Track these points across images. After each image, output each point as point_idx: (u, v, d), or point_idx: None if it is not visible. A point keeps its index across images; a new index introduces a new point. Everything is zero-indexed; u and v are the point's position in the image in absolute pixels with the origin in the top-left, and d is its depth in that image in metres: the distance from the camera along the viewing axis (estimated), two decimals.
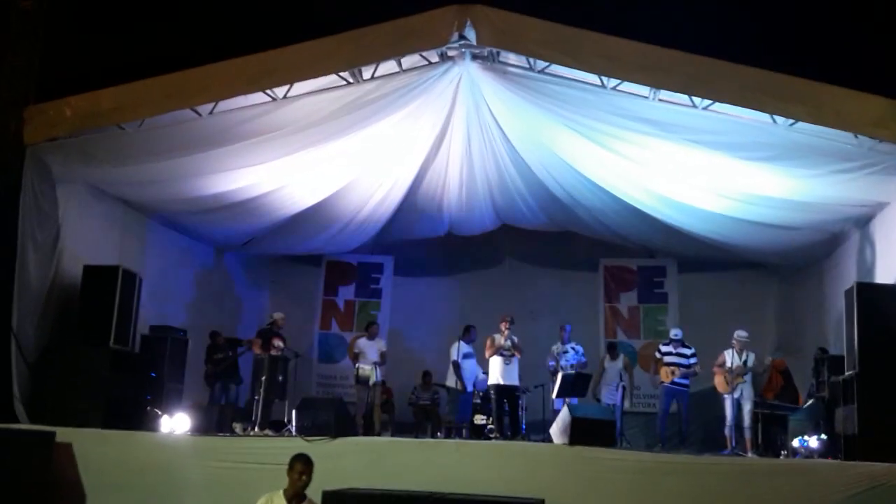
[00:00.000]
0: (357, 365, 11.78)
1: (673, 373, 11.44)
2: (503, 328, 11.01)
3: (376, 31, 9.00)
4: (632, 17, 8.78)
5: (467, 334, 11.94)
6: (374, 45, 9.07)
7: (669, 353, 11.58)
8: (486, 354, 11.17)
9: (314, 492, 7.15)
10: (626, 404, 12.02)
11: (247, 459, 8.46)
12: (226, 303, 14.66)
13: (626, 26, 8.77)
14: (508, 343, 10.89)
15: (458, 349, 11.86)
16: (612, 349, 12.97)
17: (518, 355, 10.96)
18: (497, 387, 10.90)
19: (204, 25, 9.54)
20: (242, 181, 11.37)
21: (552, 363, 11.80)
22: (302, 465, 6.21)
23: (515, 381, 11.00)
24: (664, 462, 8.36)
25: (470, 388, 11.89)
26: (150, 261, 11.96)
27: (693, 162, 10.08)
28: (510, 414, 10.91)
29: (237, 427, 10.81)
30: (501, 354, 10.89)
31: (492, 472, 8.23)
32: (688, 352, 11.55)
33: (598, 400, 12.28)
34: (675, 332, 11.98)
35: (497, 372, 10.95)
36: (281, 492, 6.21)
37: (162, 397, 10.91)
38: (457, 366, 11.77)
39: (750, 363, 10.89)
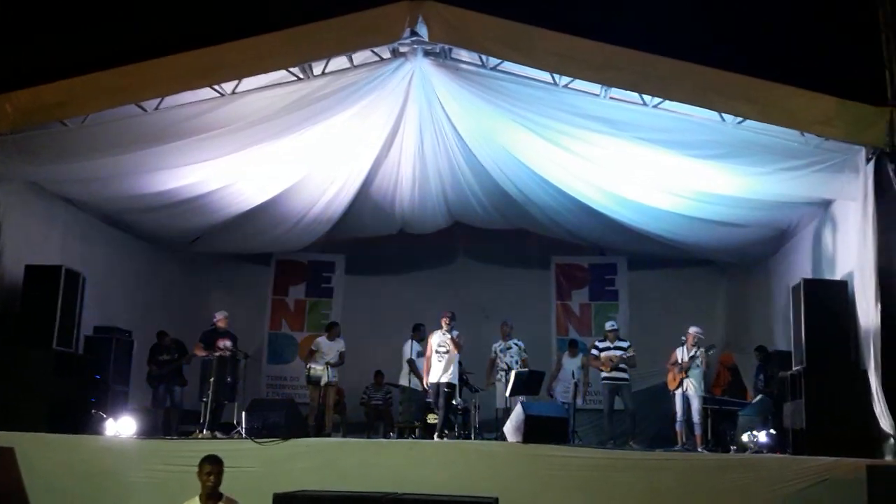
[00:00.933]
0: (308, 365, 11.59)
1: (611, 359, 11.41)
2: (443, 324, 10.88)
3: (327, 26, 8.86)
4: (583, 15, 8.76)
5: (417, 332, 11.84)
6: (325, 41, 8.95)
7: (608, 349, 11.58)
8: (426, 357, 11.09)
9: (264, 494, 7.08)
10: (579, 401, 12.02)
11: (193, 463, 8.24)
12: (172, 302, 14.37)
13: (578, 24, 8.75)
14: (443, 346, 10.77)
15: (412, 347, 11.77)
16: (573, 346, 12.77)
17: (457, 352, 10.78)
18: (433, 384, 10.81)
19: (150, 19, 9.32)
20: (189, 178, 11.16)
21: (502, 368, 11.48)
22: (209, 466, 6.14)
23: (451, 379, 10.75)
24: (616, 458, 8.40)
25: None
26: (93, 260, 11.67)
27: (643, 160, 10.14)
28: (443, 410, 10.67)
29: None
30: (437, 352, 10.82)
31: (445, 471, 8.22)
32: (624, 344, 11.57)
33: (552, 396, 12.29)
34: (609, 324, 12.04)
35: (433, 369, 10.85)
36: (197, 497, 6.11)
37: (107, 400, 10.74)
38: (413, 364, 11.67)
39: (696, 356, 10.84)
